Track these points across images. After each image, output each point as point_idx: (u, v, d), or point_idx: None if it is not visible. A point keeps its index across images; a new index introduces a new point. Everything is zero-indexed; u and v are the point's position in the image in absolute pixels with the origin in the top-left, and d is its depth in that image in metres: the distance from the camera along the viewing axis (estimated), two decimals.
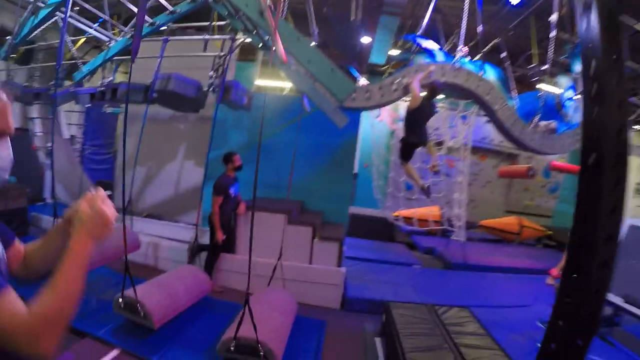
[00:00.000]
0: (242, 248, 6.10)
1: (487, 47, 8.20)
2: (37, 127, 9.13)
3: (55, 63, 5.84)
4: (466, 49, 6.32)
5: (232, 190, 5.83)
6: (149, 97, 6.39)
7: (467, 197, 8.94)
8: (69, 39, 7.08)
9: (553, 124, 7.06)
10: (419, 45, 6.64)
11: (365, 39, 8.73)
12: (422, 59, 6.46)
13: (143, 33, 6.67)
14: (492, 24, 8.21)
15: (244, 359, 3.56)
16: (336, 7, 8.48)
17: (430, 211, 9.20)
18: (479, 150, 11.76)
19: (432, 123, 9.50)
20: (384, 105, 6.53)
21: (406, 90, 6.28)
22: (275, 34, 3.98)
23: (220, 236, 5.62)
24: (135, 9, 6.39)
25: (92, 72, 7.44)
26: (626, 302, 4.96)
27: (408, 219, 9.28)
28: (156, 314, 4.00)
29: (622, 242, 4.76)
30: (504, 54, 7.81)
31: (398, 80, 6.26)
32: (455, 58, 6.34)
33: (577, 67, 7.34)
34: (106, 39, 7.12)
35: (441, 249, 8.78)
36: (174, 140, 8.13)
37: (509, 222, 10.58)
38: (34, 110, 9.08)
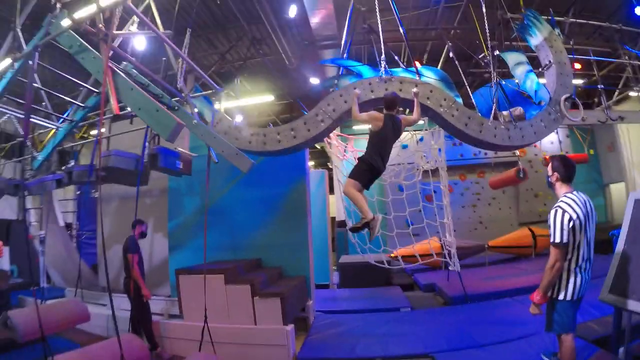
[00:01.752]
0: (188, 313, 5.35)
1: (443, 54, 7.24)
2: (32, 217, 8.99)
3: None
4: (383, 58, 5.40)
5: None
6: (89, 176, 6.14)
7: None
8: None
9: (518, 110, 5.72)
10: (342, 66, 5.76)
11: (314, 80, 7.99)
12: (346, 81, 5.55)
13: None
14: (434, 27, 7.32)
15: None
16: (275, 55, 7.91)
17: (428, 244, 7.79)
18: (474, 167, 10.38)
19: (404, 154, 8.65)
20: (314, 140, 5.64)
21: (339, 119, 5.44)
22: (112, 89, 3.61)
23: (147, 293, 5.05)
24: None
25: (47, 159, 7.08)
26: None
27: (406, 257, 7.89)
28: None
29: (631, 224, 3.76)
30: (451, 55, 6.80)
31: (322, 109, 5.44)
32: (381, 70, 5.44)
33: (533, 40, 6.17)
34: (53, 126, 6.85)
35: (441, 284, 7.32)
36: (143, 215, 7.52)
37: (520, 235, 8.94)
38: (29, 201, 8.94)
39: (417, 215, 7.88)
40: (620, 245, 3.74)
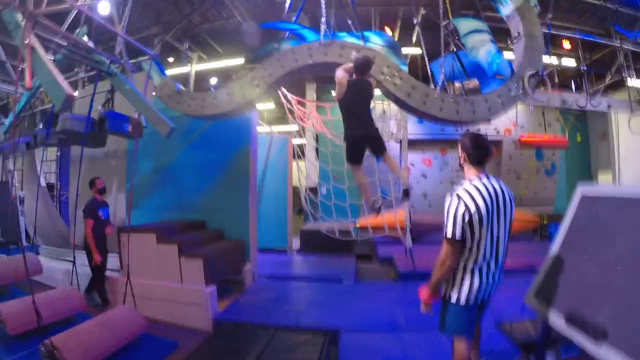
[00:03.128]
0: (126, 269, 5.29)
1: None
2: (15, 178, 9.22)
3: None
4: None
5: (101, 213, 5.45)
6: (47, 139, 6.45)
7: None
8: None
9: (472, 82, 5.33)
10: (284, 29, 5.51)
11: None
12: (288, 45, 5.30)
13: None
14: None
15: None
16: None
17: (386, 218, 7.57)
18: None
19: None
20: (250, 104, 5.45)
21: (274, 84, 5.26)
22: (28, 65, 3.73)
23: (97, 258, 5.21)
24: None
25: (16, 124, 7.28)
26: (570, 322, 2.66)
27: (364, 228, 7.70)
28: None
29: (572, 225, 3.17)
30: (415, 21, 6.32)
31: (259, 73, 5.25)
32: (321, 33, 5.17)
33: (504, 9, 5.59)
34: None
35: (397, 258, 7.14)
36: (109, 175, 7.68)
37: None
38: (11, 163, 9.30)
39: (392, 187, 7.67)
40: (555, 246, 3.26)
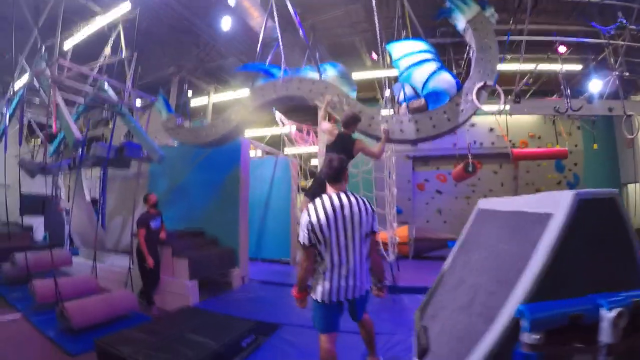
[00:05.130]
0: None
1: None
2: (62, 193, 12.27)
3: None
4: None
5: (152, 224, 6.85)
6: (80, 161, 8.55)
7: None
8: None
9: (417, 102, 6.24)
10: (253, 70, 7.36)
11: None
12: (260, 82, 7.16)
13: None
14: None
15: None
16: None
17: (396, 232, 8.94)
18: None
19: None
20: (236, 130, 7.37)
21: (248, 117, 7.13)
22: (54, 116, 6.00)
23: (150, 262, 6.55)
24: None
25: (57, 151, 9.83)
26: (416, 337, 3.21)
27: None
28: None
29: (465, 236, 3.73)
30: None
31: (235, 109, 7.24)
32: (282, 70, 6.94)
33: (459, 24, 6.48)
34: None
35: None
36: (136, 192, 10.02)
37: None
38: (60, 180, 12.16)
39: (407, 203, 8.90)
40: (447, 260, 3.73)
